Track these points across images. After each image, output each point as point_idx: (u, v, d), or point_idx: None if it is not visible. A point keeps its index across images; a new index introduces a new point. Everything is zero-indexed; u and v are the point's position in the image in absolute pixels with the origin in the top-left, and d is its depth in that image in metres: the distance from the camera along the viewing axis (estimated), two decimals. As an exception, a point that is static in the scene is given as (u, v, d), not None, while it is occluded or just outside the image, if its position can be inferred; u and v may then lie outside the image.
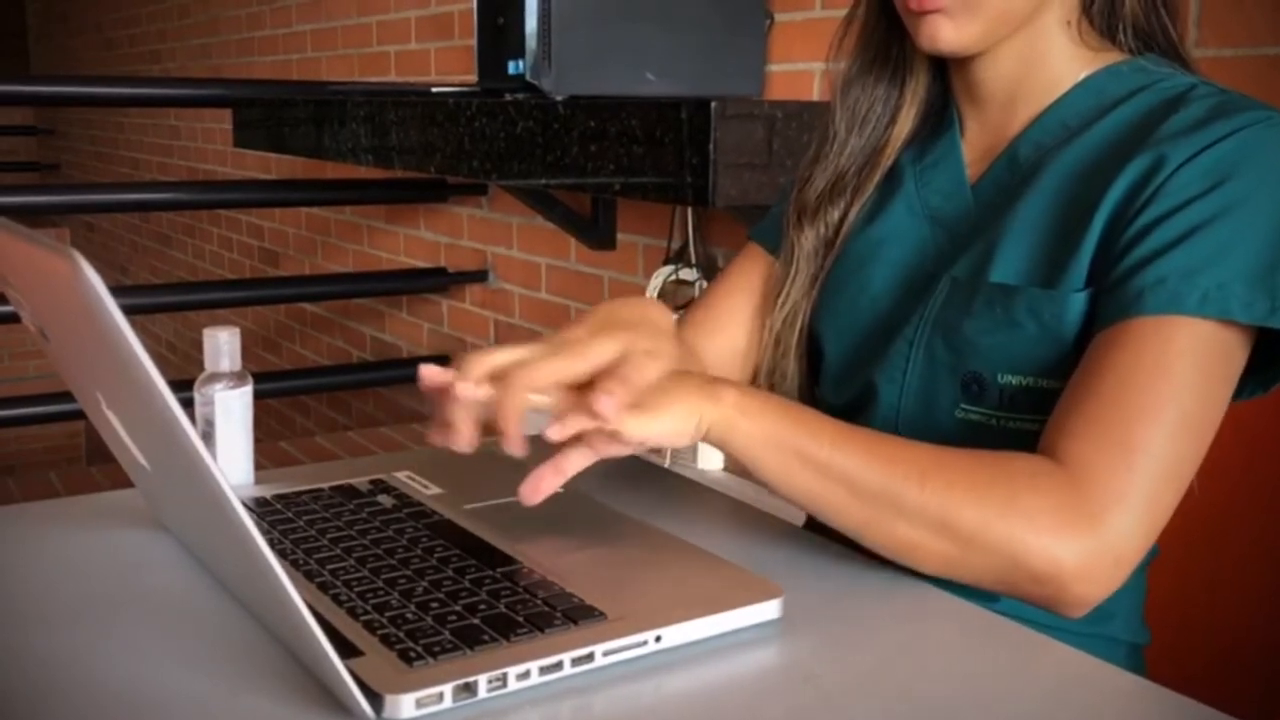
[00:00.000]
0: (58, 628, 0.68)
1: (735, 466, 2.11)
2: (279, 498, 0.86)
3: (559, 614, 0.66)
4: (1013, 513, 0.71)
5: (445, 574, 0.72)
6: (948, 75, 0.93)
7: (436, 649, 0.62)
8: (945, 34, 0.83)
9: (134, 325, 0.51)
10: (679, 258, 2.16)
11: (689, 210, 2.13)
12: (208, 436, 0.87)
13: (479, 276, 2.91)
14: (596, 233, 2.40)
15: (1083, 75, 0.86)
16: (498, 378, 0.71)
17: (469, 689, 0.60)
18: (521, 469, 0.73)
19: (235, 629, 0.68)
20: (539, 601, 0.68)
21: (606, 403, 0.69)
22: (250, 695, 0.60)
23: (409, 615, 0.66)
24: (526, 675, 0.61)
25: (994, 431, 0.83)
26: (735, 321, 1.01)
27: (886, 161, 0.95)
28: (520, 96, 1.80)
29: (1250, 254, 0.74)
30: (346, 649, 0.61)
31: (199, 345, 0.91)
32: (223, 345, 0.86)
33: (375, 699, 0.58)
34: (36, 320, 0.66)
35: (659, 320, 0.79)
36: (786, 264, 0.98)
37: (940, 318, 0.86)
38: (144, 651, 0.65)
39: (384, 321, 3.40)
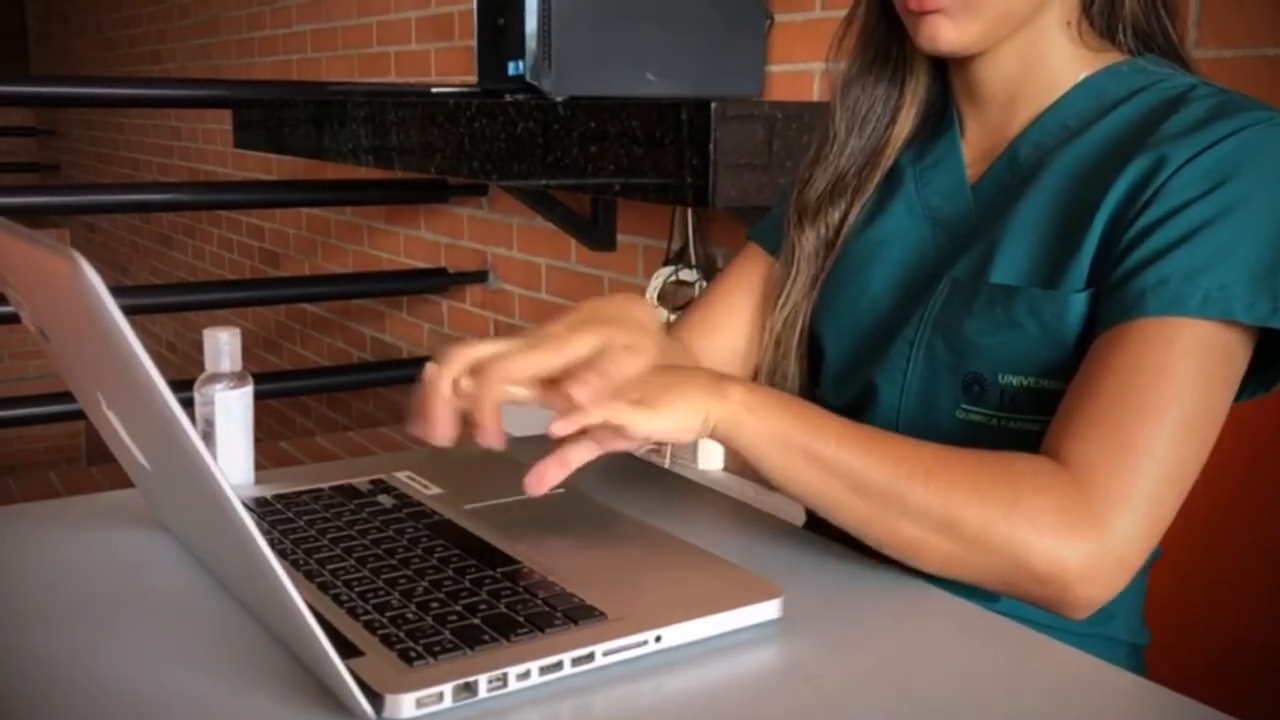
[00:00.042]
0: (58, 628, 0.68)
1: (735, 466, 2.12)
2: (279, 498, 0.86)
3: (559, 614, 0.66)
4: (1016, 513, 0.71)
5: (445, 574, 0.72)
6: (948, 75, 0.93)
7: (437, 649, 0.62)
8: (945, 34, 0.83)
9: (134, 325, 0.51)
10: (679, 258, 2.16)
11: (689, 211, 2.13)
12: (208, 437, 0.87)
13: (479, 277, 2.91)
14: (597, 233, 2.40)
15: (1083, 75, 0.86)
16: (476, 371, 0.71)
17: (469, 689, 0.60)
18: (521, 470, 0.73)
19: (235, 629, 0.68)
20: (539, 601, 0.68)
21: (580, 390, 0.69)
22: (250, 695, 0.61)
23: (409, 615, 0.66)
24: (527, 675, 0.61)
25: (994, 432, 0.83)
26: (734, 321, 1.01)
27: (886, 162, 0.95)
28: (520, 97, 1.80)
29: (1251, 254, 0.74)
30: (347, 649, 0.62)
31: (199, 345, 0.91)
32: (223, 345, 0.86)
33: (375, 699, 0.58)
34: (37, 320, 0.66)
35: (641, 318, 0.79)
36: (787, 265, 0.98)
37: (941, 318, 0.86)
38: (144, 651, 0.65)
39: (384, 322, 3.40)
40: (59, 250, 0.51)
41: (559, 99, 1.72)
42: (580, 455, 0.74)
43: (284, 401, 3.85)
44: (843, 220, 0.96)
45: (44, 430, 5.14)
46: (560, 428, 0.71)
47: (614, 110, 1.56)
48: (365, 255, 3.46)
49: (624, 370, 0.73)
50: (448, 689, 0.59)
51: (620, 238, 2.39)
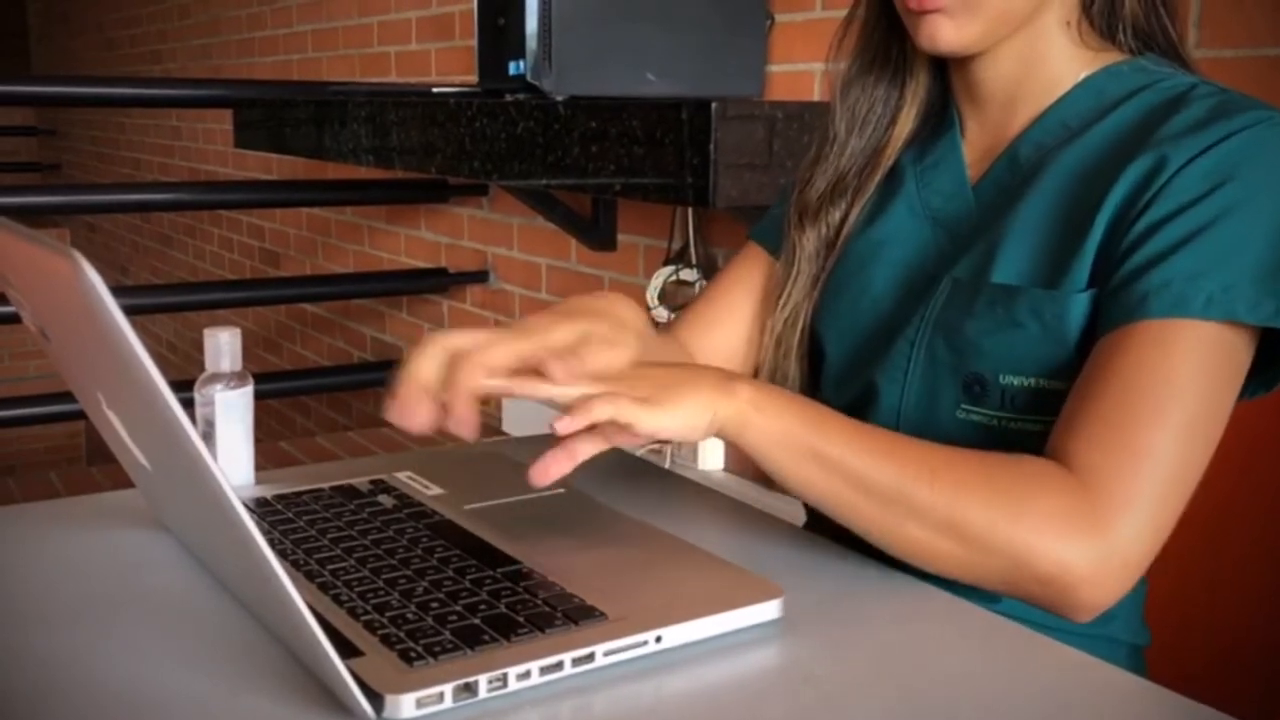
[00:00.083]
0: (58, 628, 0.68)
1: (736, 466, 2.12)
2: (279, 498, 0.86)
3: (559, 614, 0.66)
4: (1021, 515, 0.71)
5: (446, 574, 0.72)
6: (948, 75, 0.93)
7: (437, 649, 0.62)
8: (945, 34, 0.83)
9: (134, 325, 0.51)
10: (679, 258, 2.16)
11: (689, 211, 2.13)
12: (208, 437, 0.87)
13: (479, 277, 2.91)
14: (597, 233, 2.40)
15: (1083, 75, 0.86)
16: (455, 359, 0.71)
17: (469, 689, 0.60)
18: (521, 470, 0.73)
19: (235, 629, 0.68)
20: (539, 602, 0.68)
21: (556, 367, 0.70)
22: (250, 695, 0.61)
23: (409, 615, 0.66)
24: (527, 675, 0.61)
25: (996, 432, 0.83)
26: (733, 320, 1.01)
27: (887, 162, 0.95)
28: (521, 97, 1.80)
29: (1254, 255, 0.73)
30: (347, 649, 0.62)
31: (199, 345, 0.91)
32: (223, 345, 0.86)
33: (376, 699, 0.58)
34: (37, 320, 0.66)
35: (624, 313, 0.79)
36: (788, 265, 0.98)
37: (942, 318, 0.86)
38: (144, 651, 0.65)
39: (384, 322, 3.40)
40: (60, 250, 0.51)
41: (559, 99, 1.72)
42: (588, 449, 0.73)
43: (284, 401, 3.85)
44: (843, 220, 0.96)
45: (44, 430, 5.15)
46: (565, 425, 0.71)
47: (614, 110, 1.56)
48: (365, 255, 3.47)
49: (602, 360, 0.73)
50: (448, 689, 0.59)
51: (621, 237, 2.39)
